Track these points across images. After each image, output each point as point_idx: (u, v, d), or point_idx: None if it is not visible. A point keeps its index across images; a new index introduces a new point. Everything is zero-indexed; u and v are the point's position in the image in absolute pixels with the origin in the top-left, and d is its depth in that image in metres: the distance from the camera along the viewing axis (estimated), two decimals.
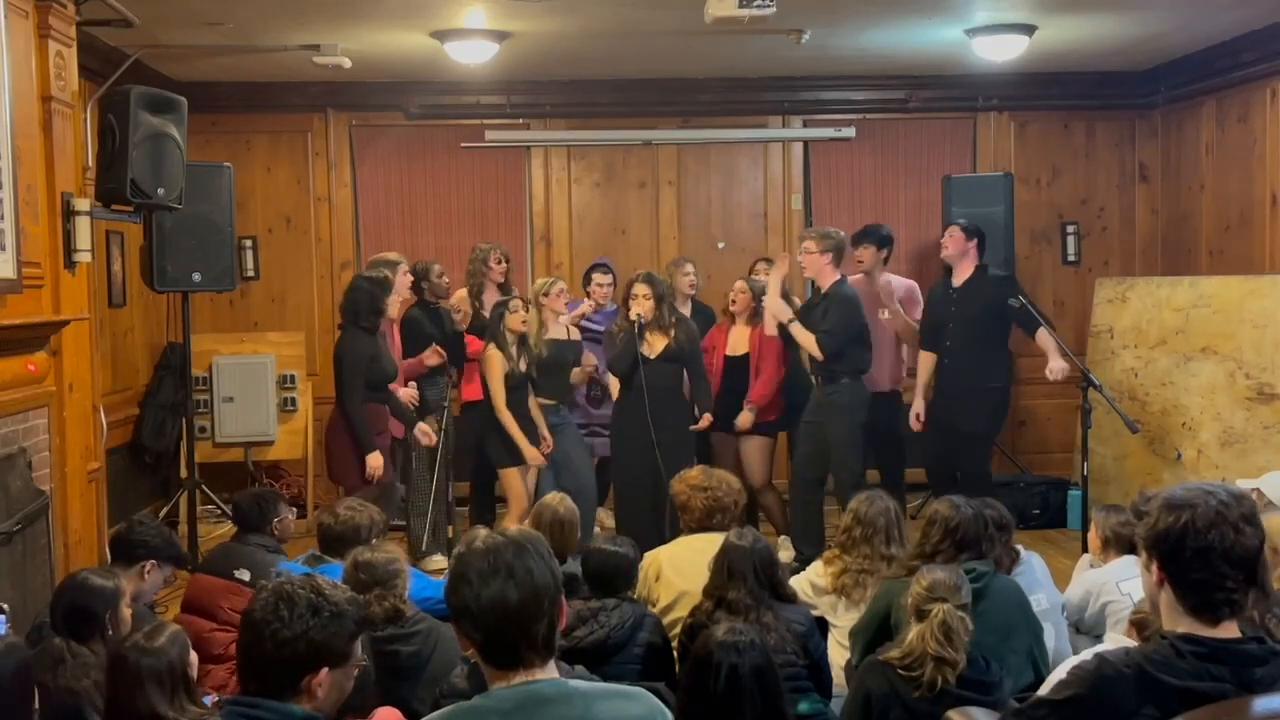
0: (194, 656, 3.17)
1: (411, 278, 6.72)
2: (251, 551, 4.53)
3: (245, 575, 4.41)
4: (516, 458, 6.23)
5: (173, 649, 3.04)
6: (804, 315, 6.41)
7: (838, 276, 6.40)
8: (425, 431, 6.24)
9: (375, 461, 5.86)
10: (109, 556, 4.66)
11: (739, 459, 6.56)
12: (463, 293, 7.11)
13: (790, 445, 7.06)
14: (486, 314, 6.82)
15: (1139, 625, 3.37)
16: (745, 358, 6.62)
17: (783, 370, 6.55)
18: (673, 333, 6.30)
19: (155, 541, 4.29)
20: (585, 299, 7.30)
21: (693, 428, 6.32)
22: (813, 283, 6.74)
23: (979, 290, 6.67)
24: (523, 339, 6.27)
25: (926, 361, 6.89)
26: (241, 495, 5.19)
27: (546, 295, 6.54)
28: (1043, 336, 6.58)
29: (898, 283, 7.32)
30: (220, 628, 4.27)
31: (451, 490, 6.90)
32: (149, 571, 4.24)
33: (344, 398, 5.95)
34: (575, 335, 6.72)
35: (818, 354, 6.25)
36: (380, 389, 6.07)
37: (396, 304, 6.34)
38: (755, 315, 6.62)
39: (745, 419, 6.49)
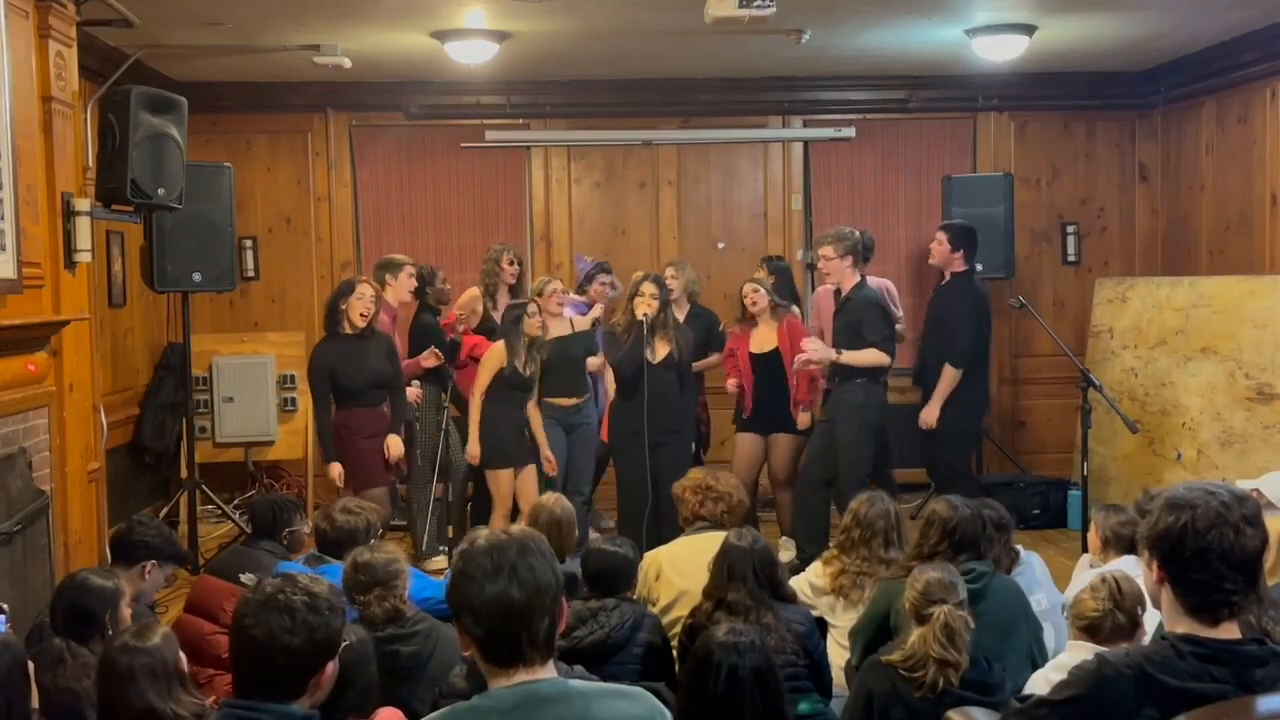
0: (181, 655, 3.16)
1: (415, 281, 6.74)
2: (259, 556, 4.52)
3: (250, 579, 4.41)
4: (501, 460, 6.24)
5: (165, 646, 3.04)
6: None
7: (858, 278, 6.35)
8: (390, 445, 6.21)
9: (335, 471, 6.01)
10: (109, 557, 4.65)
11: (767, 457, 6.58)
12: (475, 291, 7.09)
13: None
14: (497, 315, 6.84)
15: (1090, 630, 3.32)
16: (774, 353, 6.58)
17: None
18: (675, 339, 6.33)
19: (156, 542, 4.29)
20: (580, 297, 7.28)
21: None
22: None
23: (949, 298, 6.77)
24: (533, 343, 6.27)
25: (948, 374, 6.70)
26: (261, 499, 5.22)
27: (541, 295, 6.55)
28: (946, 374, 6.60)
29: (874, 283, 7.32)
30: (222, 630, 4.25)
31: (452, 491, 6.91)
32: (149, 571, 4.24)
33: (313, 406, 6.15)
34: (580, 326, 6.73)
35: (886, 362, 6.19)
36: (359, 396, 6.07)
37: (357, 308, 6.07)
38: (774, 312, 6.61)
39: (804, 420, 6.51)
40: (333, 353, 6.05)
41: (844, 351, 6.19)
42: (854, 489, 6.02)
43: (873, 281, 7.37)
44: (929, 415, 6.62)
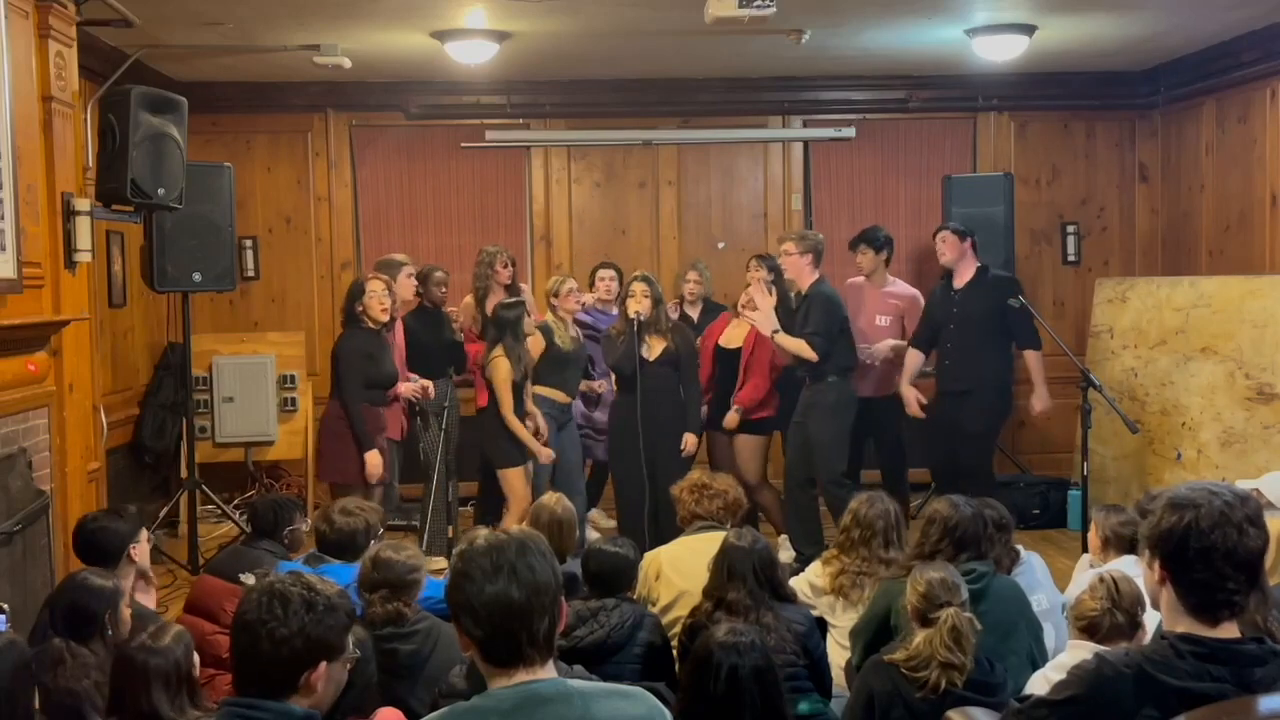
0: (195, 658, 3.17)
1: (415, 281, 6.74)
2: (259, 556, 4.51)
3: (250, 579, 4.40)
4: (516, 459, 6.22)
5: (178, 648, 3.05)
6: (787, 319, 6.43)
7: (816, 277, 6.44)
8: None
9: (374, 460, 5.93)
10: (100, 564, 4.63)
11: (733, 457, 6.58)
12: (469, 300, 7.09)
13: (784, 445, 7.07)
14: None
15: (1089, 630, 3.32)
16: (737, 352, 6.62)
17: (772, 375, 6.53)
18: (670, 336, 6.33)
19: (123, 527, 4.25)
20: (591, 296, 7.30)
21: (683, 451, 6.32)
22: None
23: (981, 291, 6.71)
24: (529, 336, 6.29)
25: (913, 359, 6.93)
26: (261, 499, 5.22)
27: (557, 295, 6.56)
28: (1032, 359, 6.62)
29: (903, 290, 7.30)
30: (222, 630, 4.24)
31: (453, 491, 6.90)
32: (135, 550, 4.23)
33: (340, 393, 6.05)
34: (579, 336, 6.74)
35: (811, 356, 6.24)
36: (376, 389, 6.08)
37: (375, 305, 6.16)
38: None
39: (731, 419, 6.50)
40: (364, 341, 6.08)
41: (781, 332, 6.29)
42: (833, 486, 6.12)
43: (905, 289, 7.35)
44: (1044, 402, 6.75)
